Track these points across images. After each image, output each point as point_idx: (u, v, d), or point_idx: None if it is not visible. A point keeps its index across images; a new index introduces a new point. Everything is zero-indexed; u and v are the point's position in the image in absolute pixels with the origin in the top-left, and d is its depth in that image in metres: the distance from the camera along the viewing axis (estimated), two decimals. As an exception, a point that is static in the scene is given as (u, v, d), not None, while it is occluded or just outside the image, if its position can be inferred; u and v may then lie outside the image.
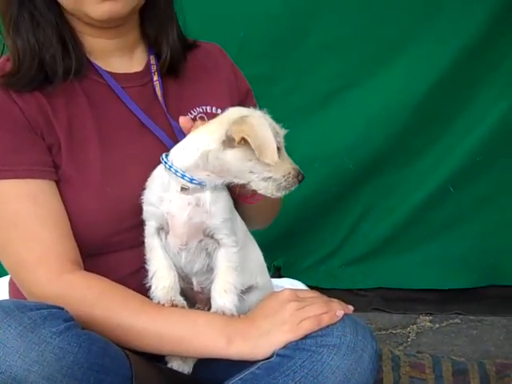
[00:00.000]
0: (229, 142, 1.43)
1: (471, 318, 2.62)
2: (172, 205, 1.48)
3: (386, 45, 2.65)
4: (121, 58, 1.62)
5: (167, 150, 1.54)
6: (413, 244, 2.81)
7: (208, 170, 1.46)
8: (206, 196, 1.48)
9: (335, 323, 1.46)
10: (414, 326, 2.58)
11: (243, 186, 1.47)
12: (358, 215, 2.82)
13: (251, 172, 1.44)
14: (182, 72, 1.66)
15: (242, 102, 1.72)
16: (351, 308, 1.53)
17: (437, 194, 2.76)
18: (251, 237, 1.63)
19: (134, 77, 1.62)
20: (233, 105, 1.65)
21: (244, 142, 1.41)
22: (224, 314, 1.48)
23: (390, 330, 2.55)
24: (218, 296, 1.50)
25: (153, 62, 1.64)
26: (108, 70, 1.60)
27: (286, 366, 1.43)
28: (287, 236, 2.82)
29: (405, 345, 2.45)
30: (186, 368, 1.56)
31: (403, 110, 2.68)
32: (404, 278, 2.78)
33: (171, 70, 1.64)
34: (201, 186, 1.46)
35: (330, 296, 2.66)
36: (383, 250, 2.81)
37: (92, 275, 1.51)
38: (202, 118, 1.64)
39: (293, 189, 1.47)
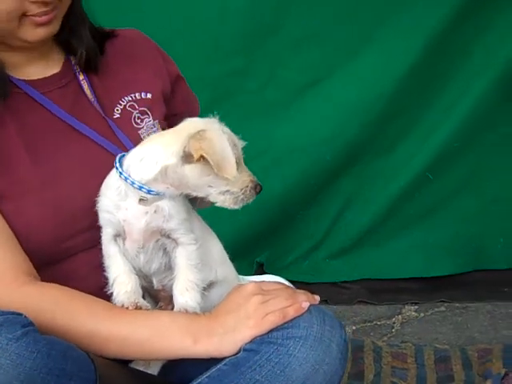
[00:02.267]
0: (186, 157, 1.41)
1: (456, 305, 2.59)
2: (129, 213, 1.46)
3: (357, 35, 2.63)
4: (36, 65, 1.58)
5: (100, 147, 1.53)
6: (395, 233, 2.78)
7: (167, 183, 1.44)
8: (164, 203, 1.46)
9: (302, 314, 1.44)
10: (399, 316, 2.55)
11: (202, 198, 1.46)
12: (339, 207, 2.79)
13: (210, 186, 1.44)
14: (103, 66, 1.62)
15: (173, 87, 1.70)
16: (317, 298, 1.51)
17: (416, 181, 2.73)
18: (209, 230, 1.60)
19: (53, 79, 1.59)
20: (164, 88, 1.66)
21: (203, 159, 1.39)
22: (187, 312, 1.46)
23: (374, 322, 2.53)
24: (179, 295, 1.48)
25: (73, 61, 1.60)
26: (24, 78, 1.57)
27: (252, 360, 1.41)
28: (269, 231, 2.79)
29: (389, 335, 2.43)
30: (152, 369, 1.54)
31: (378, 99, 2.66)
32: (389, 267, 2.75)
33: (89, 66, 1.61)
34: (159, 196, 1.45)
35: (314, 291, 2.69)
36: (366, 241, 2.79)
37: (49, 284, 1.49)
38: (132, 107, 1.62)
39: (251, 201, 1.47)
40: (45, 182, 1.52)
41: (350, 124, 2.68)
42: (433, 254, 2.75)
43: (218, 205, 1.46)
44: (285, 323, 1.43)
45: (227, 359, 1.43)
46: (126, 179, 1.44)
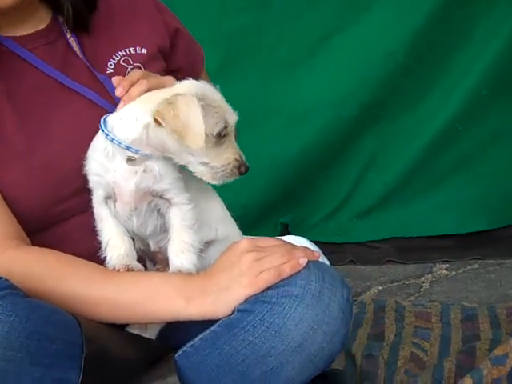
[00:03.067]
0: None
1: (490, 262, 2.47)
2: (117, 174, 1.41)
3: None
4: (22, 25, 1.51)
5: (93, 104, 1.47)
6: (424, 189, 2.65)
7: (151, 146, 1.38)
8: (154, 162, 1.40)
9: (299, 272, 1.35)
10: (429, 275, 2.44)
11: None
12: (362, 165, 2.67)
13: (190, 154, 1.38)
14: (95, 23, 1.55)
15: (173, 41, 1.61)
16: (317, 254, 1.41)
17: (444, 133, 2.59)
18: (209, 188, 1.52)
19: (40, 35, 1.52)
20: (161, 43, 1.58)
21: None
22: (181, 272, 1.40)
23: (402, 281, 2.42)
24: (175, 257, 1.42)
25: (61, 19, 1.53)
26: (10, 35, 1.50)
27: (245, 321, 1.34)
28: (291, 192, 2.70)
29: (417, 295, 2.31)
30: (149, 333, 1.49)
31: (399, 49, 2.53)
32: (418, 225, 2.63)
33: (78, 24, 1.53)
34: (147, 156, 1.39)
35: (342, 251, 2.63)
36: (393, 199, 2.66)
37: (39, 248, 1.45)
38: (126, 62, 1.54)
39: (231, 180, 1.40)
40: (33, 145, 1.46)
41: (370, 79, 2.56)
42: (464, 210, 2.62)
43: (196, 175, 1.40)
44: (281, 281, 1.35)
45: (221, 320, 1.36)
46: (112, 140, 1.39)
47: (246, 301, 1.35)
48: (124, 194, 1.42)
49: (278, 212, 2.71)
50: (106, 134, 1.40)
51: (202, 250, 1.46)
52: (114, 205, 1.44)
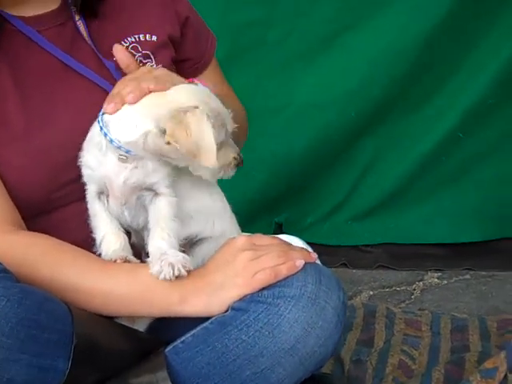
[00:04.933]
0: (162, 132, 1.33)
1: (482, 273, 2.45)
2: (109, 168, 1.39)
3: (385, -17, 2.47)
4: (31, 3, 1.49)
5: (99, 88, 1.45)
6: (421, 196, 2.63)
7: (147, 151, 1.36)
8: (147, 159, 1.38)
9: (296, 273, 1.34)
10: (421, 282, 2.43)
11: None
12: (362, 167, 2.65)
13: (189, 159, 1.36)
14: (104, 8, 1.52)
15: (183, 30, 1.59)
16: (314, 256, 1.41)
17: (446, 141, 2.57)
18: (210, 183, 1.50)
19: (49, 16, 1.50)
20: (171, 32, 1.56)
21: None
22: (161, 254, 1.35)
23: (393, 288, 2.41)
24: (153, 240, 1.38)
25: (70, 1, 1.50)
26: (20, 15, 1.48)
27: (239, 319, 1.33)
28: (288, 191, 2.67)
29: (407, 302, 2.30)
30: (138, 326, 1.46)
31: (407, 51, 2.49)
32: (412, 232, 2.61)
33: (87, 8, 1.51)
34: (139, 157, 1.38)
35: (335, 253, 2.61)
36: (390, 204, 2.64)
37: (35, 234, 1.43)
38: (135, 49, 1.52)
39: (229, 176, 1.43)
40: (34, 128, 1.44)
41: (377, 79, 2.53)
42: (459, 220, 2.60)
43: (196, 174, 1.40)
44: (277, 282, 1.34)
45: (214, 317, 1.35)
46: (105, 135, 1.37)
47: (241, 299, 1.34)
48: (115, 188, 1.40)
49: (273, 211, 2.69)
50: (101, 128, 1.38)
51: (196, 243, 1.45)
52: (107, 200, 1.42)
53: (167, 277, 1.33)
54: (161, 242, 1.36)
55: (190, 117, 1.32)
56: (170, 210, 1.39)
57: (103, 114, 1.39)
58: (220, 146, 1.36)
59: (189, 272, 1.34)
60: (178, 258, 1.34)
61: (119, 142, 1.36)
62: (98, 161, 1.39)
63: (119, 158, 1.38)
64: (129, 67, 1.45)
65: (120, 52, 1.46)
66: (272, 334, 1.31)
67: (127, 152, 1.37)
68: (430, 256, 2.56)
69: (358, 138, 2.63)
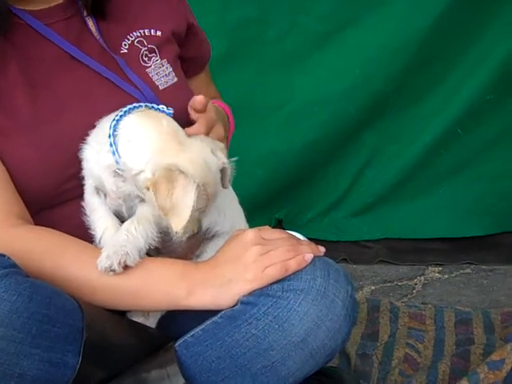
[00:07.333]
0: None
1: (483, 267, 2.45)
2: (102, 173, 1.39)
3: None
4: None
5: (106, 81, 1.45)
6: (421, 191, 2.63)
7: (133, 182, 1.36)
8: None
9: (304, 267, 1.35)
10: (422, 277, 2.43)
11: None
12: (361, 162, 2.64)
13: None
14: (111, 3, 1.53)
15: (187, 33, 1.60)
16: (322, 250, 1.41)
17: (444, 136, 2.56)
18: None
19: (57, 10, 1.50)
20: (176, 29, 1.56)
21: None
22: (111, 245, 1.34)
23: (395, 283, 2.41)
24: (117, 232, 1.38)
25: None
26: (28, 8, 1.48)
27: (248, 313, 1.33)
28: (288, 187, 2.67)
29: (409, 296, 2.30)
30: (151, 321, 1.47)
31: (405, 47, 2.48)
32: (412, 227, 2.61)
33: (95, 9, 1.51)
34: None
35: (335, 249, 2.61)
36: (389, 199, 2.64)
37: (41, 228, 1.42)
38: (141, 43, 1.53)
39: None
40: (43, 119, 1.44)
41: (376, 75, 2.52)
42: (460, 215, 2.60)
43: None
44: (286, 275, 1.34)
45: (223, 311, 1.35)
46: (110, 145, 1.36)
47: (250, 293, 1.35)
48: (108, 191, 1.40)
49: (273, 207, 2.69)
50: (110, 136, 1.36)
51: (208, 240, 1.46)
52: (105, 195, 1.42)
53: (99, 267, 1.33)
54: (120, 235, 1.36)
55: (179, 180, 1.31)
56: (152, 212, 1.36)
57: (121, 117, 1.38)
58: (194, 212, 1.33)
59: (125, 268, 1.34)
60: (121, 252, 1.34)
61: (120, 157, 1.35)
62: (95, 160, 1.39)
63: (115, 172, 1.37)
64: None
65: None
66: (282, 328, 1.31)
67: (122, 172, 1.36)
68: (430, 251, 2.56)
69: (357, 134, 2.63)
